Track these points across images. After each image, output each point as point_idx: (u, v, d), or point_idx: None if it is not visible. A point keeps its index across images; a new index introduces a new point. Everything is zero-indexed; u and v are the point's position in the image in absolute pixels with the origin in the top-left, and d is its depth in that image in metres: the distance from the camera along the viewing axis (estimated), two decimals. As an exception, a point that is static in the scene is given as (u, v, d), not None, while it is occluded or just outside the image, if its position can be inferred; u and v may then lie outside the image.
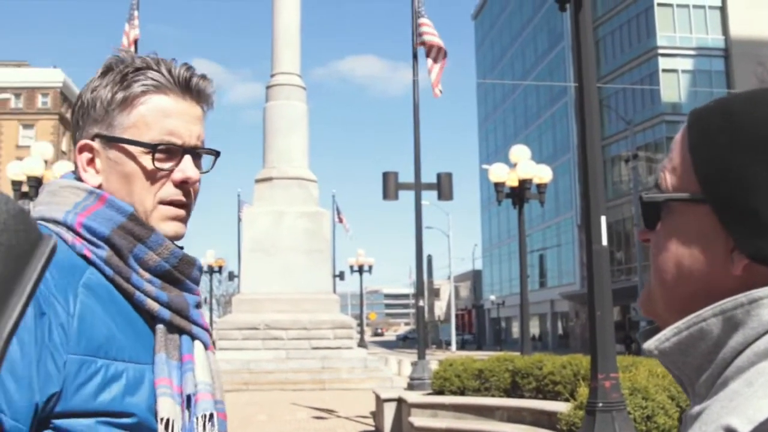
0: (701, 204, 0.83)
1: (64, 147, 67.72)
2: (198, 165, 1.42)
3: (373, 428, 14.06)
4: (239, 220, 42.81)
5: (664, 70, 51.31)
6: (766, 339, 0.77)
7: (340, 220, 44.80)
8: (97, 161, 1.38)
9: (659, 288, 0.88)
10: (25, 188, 16.50)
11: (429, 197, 26.72)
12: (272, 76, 27.81)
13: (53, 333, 1.14)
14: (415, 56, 16.49)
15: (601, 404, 6.07)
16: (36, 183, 16.16)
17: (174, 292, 1.35)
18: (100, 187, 1.37)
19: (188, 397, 1.30)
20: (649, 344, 0.85)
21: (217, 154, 1.46)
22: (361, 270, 49.80)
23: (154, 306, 1.30)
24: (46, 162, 16.78)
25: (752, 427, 0.69)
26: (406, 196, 16.95)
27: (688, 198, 0.84)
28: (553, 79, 62.23)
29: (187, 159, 1.39)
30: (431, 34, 16.50)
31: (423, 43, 16.54)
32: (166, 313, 1.32)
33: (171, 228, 1.38)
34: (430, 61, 16.52)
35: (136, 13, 20.24)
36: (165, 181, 1.37)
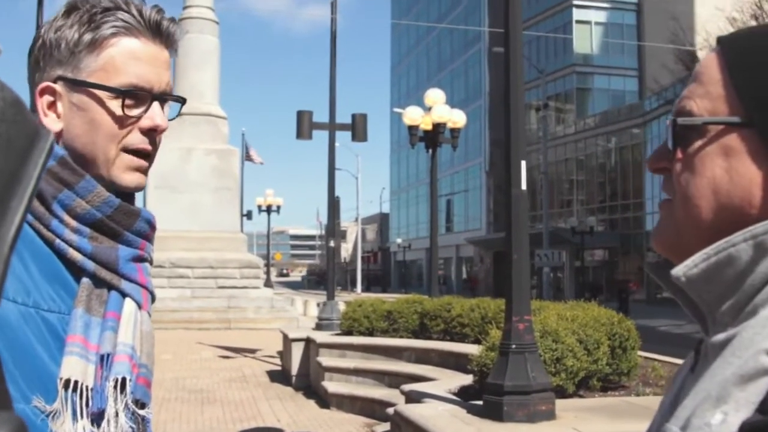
0: (744, 127, 0.78)
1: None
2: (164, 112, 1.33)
3: (279, 368, 14.04)
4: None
5: (577, 21, 52.24)
6: None
7: (249, 158, 44.21)
8: (59, 105, 1.27)
9: (691, 219, 0.83)
10: None
11: (340, 139, 26.55)
12: (184, 8, 27.35)
13: None
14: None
15: (514, 346, 6.14)
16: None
17: (106, 243, 1.24)
18: (61, 132, 1.26)
19: (105, 358, 1.18)
20: (677, 271, 0.80)
21: (183, 101, 1.39)
22: (269, 210, 49.31)
23: (76, 256, 1.20)
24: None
25: None
26: (316, 137, 16.75)
27: (736, 122, 0.79)
28: (468, 24, 62.30)
29: (156, 106, 1.30)
30: None
31: None
32: (90, 265, 1.21)
33: (133, 179, 1.29)
34: None
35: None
36: (131, 129, 1.28)
